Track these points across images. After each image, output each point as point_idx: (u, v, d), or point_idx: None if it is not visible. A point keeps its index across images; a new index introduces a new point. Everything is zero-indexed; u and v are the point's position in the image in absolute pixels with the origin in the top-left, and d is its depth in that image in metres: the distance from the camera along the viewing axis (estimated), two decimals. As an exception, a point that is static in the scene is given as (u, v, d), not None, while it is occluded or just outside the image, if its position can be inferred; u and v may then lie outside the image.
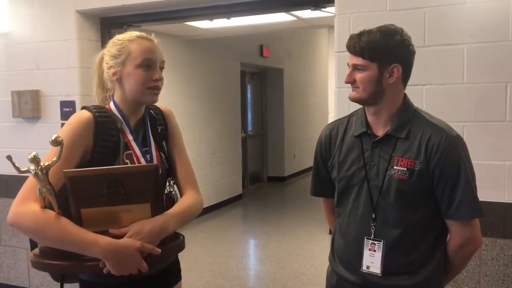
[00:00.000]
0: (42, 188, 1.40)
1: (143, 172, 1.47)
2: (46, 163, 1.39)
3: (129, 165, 1.57)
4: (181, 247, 1.62)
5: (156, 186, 1.51)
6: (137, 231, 1.45)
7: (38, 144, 1.37)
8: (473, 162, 1.61)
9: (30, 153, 1.38)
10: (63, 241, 1.43)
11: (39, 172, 1.37)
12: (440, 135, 1.55)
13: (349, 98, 1.63)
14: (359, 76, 1.57)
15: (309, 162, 9.91)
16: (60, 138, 1.40)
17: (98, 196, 1.42)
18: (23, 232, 1.48)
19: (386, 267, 1.59)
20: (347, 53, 1.63)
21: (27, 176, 1.47)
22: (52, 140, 1.39)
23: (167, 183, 1.69)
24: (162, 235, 1.50)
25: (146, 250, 1.45)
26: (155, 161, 1.65)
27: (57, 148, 1.41)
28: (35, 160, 1.37)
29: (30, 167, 1.38)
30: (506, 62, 2.47)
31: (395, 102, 1.61)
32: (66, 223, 1.43)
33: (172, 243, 1.58)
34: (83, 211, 1.44)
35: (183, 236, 1.64)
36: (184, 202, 1.67)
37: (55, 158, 1.41)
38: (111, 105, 1.65)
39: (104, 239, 1.42)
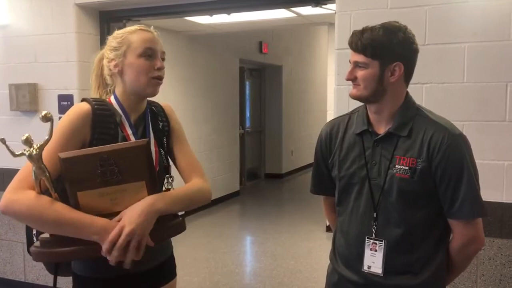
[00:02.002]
0: (37, 169, 1.39)
1: (135, 148, 1.47)
2: (39, 144, 1.39)
3: (120, 143, 1.56)
4: (180, 227, 1.59)
5: (149, 162, 1.50)
6: (127, 218, 1.42)
7: (35, 137, 1.38)
8: (472, 161, 1.60)
9: (23, 135, 1.38)
10: (59, 224, 1.41)
11: (33, 152, 1.38)
12: (442, 133, 1.52)
13: (350, 95, 1.61)
14: (360, 73, 1.55)
15: (306, 159, 9.99)
16: (50, 114, 1.40)
17: (92, 177, 1.42)
18: (17, 219, 1.47)
19: (388, 267, 1.57)
20: (348, 51, 1.61)
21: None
22: (42, 116, 1.39)
23: (165, 180, 1.68)
24: (150, 213, 1.45)
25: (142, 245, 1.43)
26: (153, 157, 1.63)
27: (50, 129, 1.41)
28: (28, 141, 1.37)
29: (24, 149, 1.38)
30: (507, 61, 2.46)
31: (397, 100, 1.59)
32: (61, 206, 1.42)
33: (168, 223, 1.55)
34: (80, 195, 1.43)
35: (182, 218, 1.61)
36: (184, 186, 1.65)
37: (47, 137, 1.41)
38: (112, 99, 1.64)
39: (101, 220, 1.42)
